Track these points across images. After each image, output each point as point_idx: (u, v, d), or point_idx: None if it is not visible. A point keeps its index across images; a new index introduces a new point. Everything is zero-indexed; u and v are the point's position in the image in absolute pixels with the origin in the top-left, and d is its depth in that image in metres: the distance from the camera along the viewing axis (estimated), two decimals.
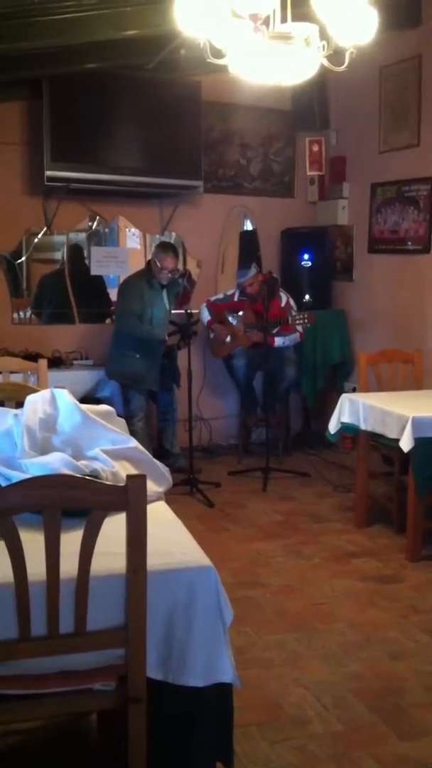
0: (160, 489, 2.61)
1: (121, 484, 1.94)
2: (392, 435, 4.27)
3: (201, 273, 6.80)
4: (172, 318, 5.69)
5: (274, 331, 6.00)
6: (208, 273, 6.81)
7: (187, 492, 5.43)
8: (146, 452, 2.71)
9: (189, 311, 5.59)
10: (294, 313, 6.02)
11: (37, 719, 2.44)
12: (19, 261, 6.28)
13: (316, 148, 6.91)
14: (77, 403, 2.73)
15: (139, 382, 5.75)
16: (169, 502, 2.55)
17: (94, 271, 6.47)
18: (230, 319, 6.24)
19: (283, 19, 2.90)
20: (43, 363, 4.24)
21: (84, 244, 6.60)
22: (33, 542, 1.90)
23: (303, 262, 6.80)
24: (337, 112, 6.85)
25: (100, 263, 6.47)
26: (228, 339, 6.22)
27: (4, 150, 5.92)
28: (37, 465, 2.39)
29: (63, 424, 2.67)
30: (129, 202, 6.45)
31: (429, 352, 5.40)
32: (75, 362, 6.13)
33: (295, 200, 7.02)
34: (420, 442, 4.09)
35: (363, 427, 4.59)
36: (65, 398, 2.73)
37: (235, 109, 6.62)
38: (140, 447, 2.70)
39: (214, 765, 2.21)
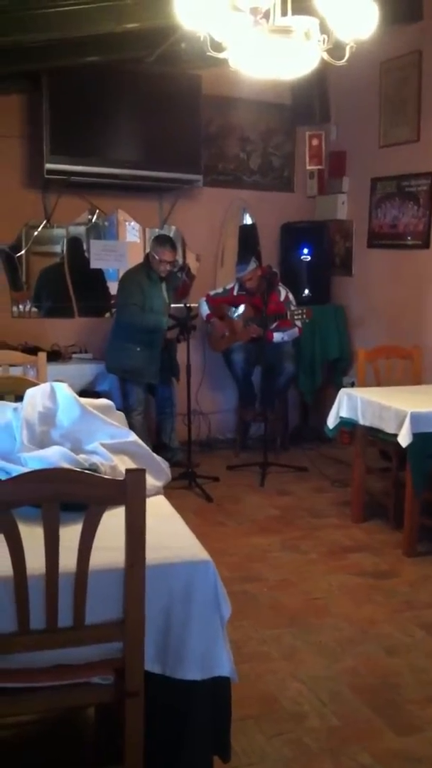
0: (159, 483, 2.61)
1: (120, 478, 1.94)
2: (390, 430, 4.27)
3: (200, 267, 6.80)
4: (171, 312, 5.69)
5: (273, 326, 6.00)
6: (207, 267, 6.81)
7: (185, 486, 5.44)
8: (145, 446, 2.71)
9: (188, 305, 5.58)
10: (293, 308, 6.02)
11: (35, 713, 2.45)
12: (19, 254, 6.27)
13: (315, 142, 6.90)
14: (76, 396, 2.73)
15: (139, 376, 5.75)
16: (167, 496, 2.55)
17: (94, 264, 6.46)
18: (229, 313, 6.23)
19: (284, 13, 2.90)
20: (42, 356, 4.24)
21: (83, 237, 6.59)
22: (32, 536, 1.90)
23: (302, 257, 6.79)
24: (337, 107, 6.84)
25: (100, 257, 6.46)
26: (226, 333, 6.22)
27: (4, 143, 5.91)
28: (36, 459, 2.39)
29: (62, 417, 2.67)
30: (128, 196, 6.44)
31: (427, 348, 5.40)
32: (74, 356, 6.14)
33: (294, 194, 7.01)
34: (418, 438, 4.09)
35: (361, 422, 4.59)
36: (64, 392, 2.73)
37: (235, 103, 6.60)
38: (139, 441, 2.70)
39: (211, 758, 2.21)
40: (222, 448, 6.65)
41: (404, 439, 4.10)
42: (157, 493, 2.53)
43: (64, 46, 5.01)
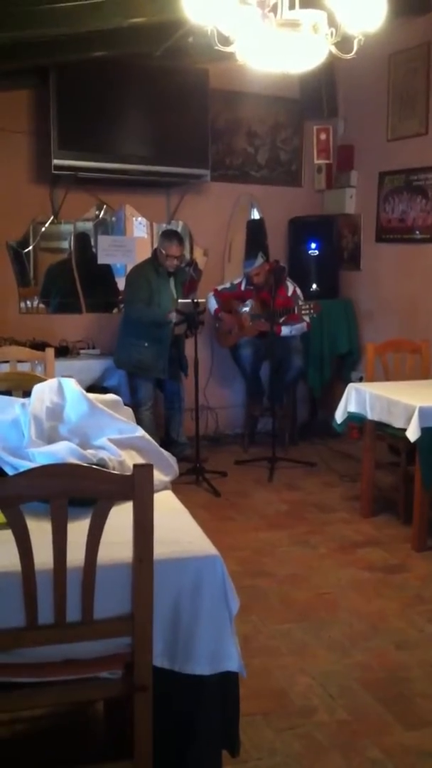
0: (167, 478, 2.61)
1: (128, 474, 1.94)
2: (399, 425, 4.26)
3: (208, 262, 6.79)
4: (178, 307, 5.69)
5: (281, 320, 5.99)
6: (214, 262, 6.80)
7: (193, 481, 5.44)
8: (153, 441, 2.70)
9: (195, 300, 5.57)
10: (301, 303, 6.01)
11: (44, 707, 2.46)
12: (26, 250, 6.27)
13: (323, 136, 6.88)
14: (84, 392, 2.73)
15: (148, 371, 5.75)
16: (175, 491, 2.55)
17: (101, 260, 6.46)
18: (237, 308, 6.22)
19: (291, 6, 2.89)
20: (50, 352, 4.25)
21: (91, 232, 6.59)
22: (40, 531, 1.90)
23: (310, 251, 6.78)
24: (345, 100, 6.81)
25: (107, 252, 6.46)
26: (234, 329, 6.21)
27: (11, 138, 5.91)
28: (44, 454, 2.39)
29: (70, 413, 2.67)
30: (136, 191, 6.43)
31: None
32: (82, 351, 6.14)
33: (302, 189, 6.99)
34: (427, 432, 4.08)
35: (370, 416, 4.58)
36: (72, 387, 2.73)
37: (243, 97, 6.59)
38: (147, 436, 2.70)
39: (220, 753, 2.21)
40: (230, 443, 6.65)
41: (413, 434, 4.09)
42: (164, 488, 2.53)
43: (71, 42, 5.00)
